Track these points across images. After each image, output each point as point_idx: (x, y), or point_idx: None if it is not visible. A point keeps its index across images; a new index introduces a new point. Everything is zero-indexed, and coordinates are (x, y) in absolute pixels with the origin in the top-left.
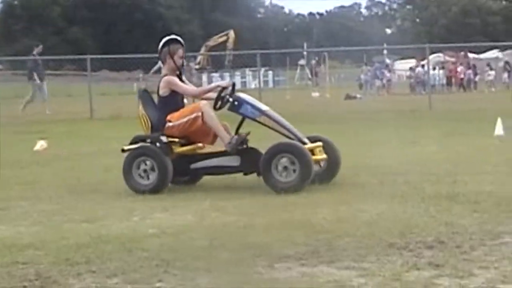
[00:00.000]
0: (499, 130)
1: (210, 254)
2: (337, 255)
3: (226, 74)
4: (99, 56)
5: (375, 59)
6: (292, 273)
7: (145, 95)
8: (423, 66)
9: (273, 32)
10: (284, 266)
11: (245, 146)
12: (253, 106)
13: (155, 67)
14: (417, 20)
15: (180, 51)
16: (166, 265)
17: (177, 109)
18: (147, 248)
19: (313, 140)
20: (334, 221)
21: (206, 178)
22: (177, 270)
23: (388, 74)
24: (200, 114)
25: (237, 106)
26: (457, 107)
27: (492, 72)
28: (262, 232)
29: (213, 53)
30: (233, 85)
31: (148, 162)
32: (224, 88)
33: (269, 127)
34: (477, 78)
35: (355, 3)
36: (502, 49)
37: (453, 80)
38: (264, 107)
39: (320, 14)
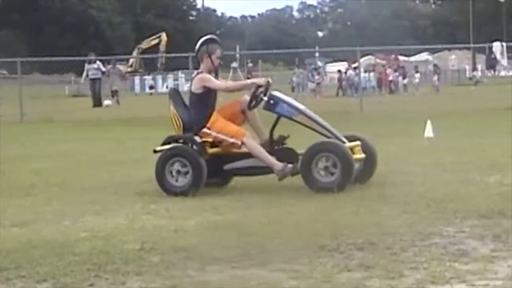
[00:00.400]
0: (429, 132)
1: (141, 258)
2: (269, 257)
3: (159, 77)
4: (30, 59)
5: (307, 62)
6: (224, 276)
7: (176, 95)
8: (354, 68)
9: (205, 35)
10: (215, 269)
11: (281, 145)
12: (289, 104)
13: (84, 75)
14: (349, 23)
15: (218, 51)
16: (97, 269)
17: (209, 107)
18: (78, 252)
19: (351, 139)
20: (265, 223)
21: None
22: (108, 274)
23: (317, 77)
24: (239, 142)
25: (272, 105)
26: (387, 109)
27: (418, 75)
28: (194, 235)
29: (145, 56)
30: (268, 83)
31: (182, 163)
32: (259, 86)
33: (306, 126)
34: (405, 81)
35: (287, 6)
36: (432, 51)
37: (382, 82)
38: (300, 105)
39: (252, 17)
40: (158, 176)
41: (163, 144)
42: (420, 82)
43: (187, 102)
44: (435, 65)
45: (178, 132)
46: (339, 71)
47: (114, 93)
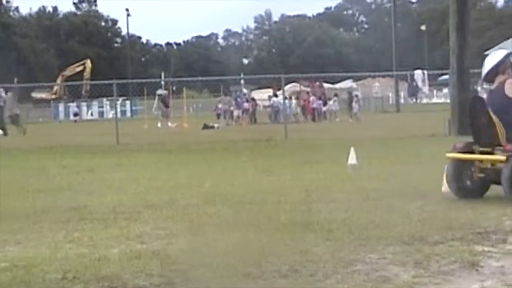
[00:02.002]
0: (352, 159)
1: (63, 287)
2: (193, 286)
3: (84, 104)
4: None
5: (232, 89)
6: None
7: (481, 102)
8: (276, 96)
9: (131, 62)
10: None
11: None
12: None
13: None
14: (273, 50)
15: None
16: None
17: None
18: None
19: None
20: (190, 251)
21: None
22: None
23: (246, 104)
24: None
25: None
26: (312, 136)
27: (334, 102)
28: (117, 264)
29: (69, 83)
30: None
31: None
32: None
33: None
34: (325, 108)
35: (212, 33)
36: (356, 79)
37: (306, 109)
38: None
39: (178, 44)
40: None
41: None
42: (341, 110)
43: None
44: (355, 95)
45: (499, 142)
46: (270, 97)
47: (14, 119)
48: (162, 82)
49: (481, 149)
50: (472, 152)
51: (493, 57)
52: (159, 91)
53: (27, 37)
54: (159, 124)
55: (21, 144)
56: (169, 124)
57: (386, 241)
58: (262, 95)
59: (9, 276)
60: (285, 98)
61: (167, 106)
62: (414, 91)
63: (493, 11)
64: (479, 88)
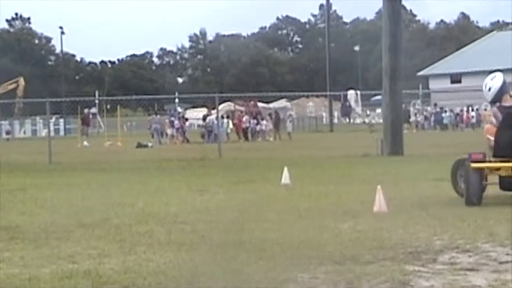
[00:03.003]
0: (285, 178)
1: None
2: None
3: (16, 122)
4: None
5: (167, 107)
6: None
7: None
8: (210, 115)
9: (64, 80)
10: None
11: None
12: None
13: None
14: (208, 69)
15: None
16: None
17: None
18: None
19: None
20: (121, 271)
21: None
22: None
23: (176, 122)
24: None
25: None
26: (246, 155)
27: (266, 122)
28: (48, 284)
29: (2, 100)
30: None
31: None
32: None
33: None
34: (258, 127)
35: (147, 52)
36: (290, 98)
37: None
38: None
39: (112, 62)
40: None
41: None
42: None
43: None
44: (278, 114)
45: None
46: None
47: None
48: (96, 101)
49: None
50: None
51: (495, 80)
52: (93, 110)
53: None
54: (85, 143)
55: None
56: (85, 143)
57: (318, 261)
58: (197, 114)
59: None
60: (219, 117)
61: (87, 124)
62: (347, 111)
63: (425, 32)
64: (411, 109)
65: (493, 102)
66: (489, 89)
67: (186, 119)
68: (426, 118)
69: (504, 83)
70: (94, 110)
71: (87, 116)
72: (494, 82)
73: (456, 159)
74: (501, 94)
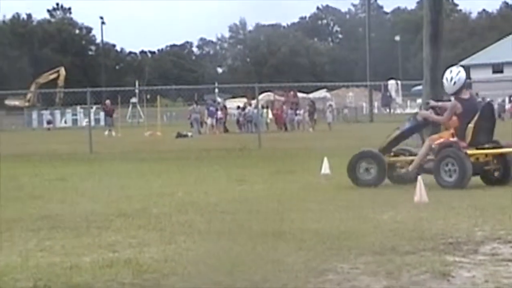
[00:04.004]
0: (325, 168)
1: None
2: None
3: (57, 112)
4: None
5: (206, 97)
6: None
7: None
8: (250, 105)
9: (105, 70)
10: None
11: None
12: None
13: None
14: (248, 59)
15: None
16: None
17: None
18: None
19: None
20: (161, 260)
21: None
22: None
23: (220, 113)
24: None
25: None
26: (285, 145)
27: (302, 112)
28: (88, 272)
29: (43, 90)
30: None
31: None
32: None
33: None
34: (297, 118)
35: (187, 42)
36: (330, 89)
37: (279, 119)
38: None
39: (152, 53)
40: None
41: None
42: (317, 119)
43: None
44: (314, 104)
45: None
46: (238, 107)
47: None
48: (136, 91)
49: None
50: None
51: (460, 75)
52: (133, 99)
53: (1, 44)
54: (111, 133)
55: None
56: (113, 133)
57: (358, 251)
58: (236, 104)
59: None
60: (259, 107)
61: (110, 115)
62: (387, 101)
63: (467, 23)
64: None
65: (454, 94)
66: (454, 83)
67: (226, 108)
68: None
69: (465, 77)
70: (134, 100)
71: (108, 106)
72: (459, 76)
73: (358, 151)
74: (462, 88)
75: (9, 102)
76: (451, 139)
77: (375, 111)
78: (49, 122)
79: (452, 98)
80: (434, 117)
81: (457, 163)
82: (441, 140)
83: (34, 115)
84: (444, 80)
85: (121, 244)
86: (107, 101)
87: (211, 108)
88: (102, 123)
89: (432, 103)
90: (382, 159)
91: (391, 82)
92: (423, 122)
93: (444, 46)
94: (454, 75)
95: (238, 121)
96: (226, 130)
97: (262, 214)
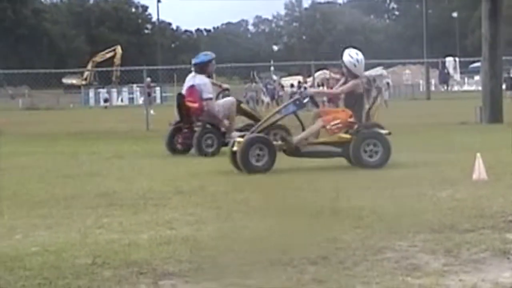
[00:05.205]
0: None
1: (93, 272)
2: (222, 272)
3: (114, 90)
4: None
5: (262, 76)
6: None
7: None
8: (305, 82)
9: (161, 48)
10: (168, 283)
11: None
12: None
13: None
14: (303, 37)
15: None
16: (48, 284)
17: None
18: (29, 266)
19: None
20: (218, 237)
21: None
22: None
23: (280, 92)
24: None
25: None
26: None
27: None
28: (146, 249)
29: (100, 69)
30: None
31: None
32: None
33: None
34: None
35: (242, 20)
36: (386, 66)
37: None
38: None
39: (208, 31)
40: None
41: None
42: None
43: None
44: (387, 83)
45: None
46: (292, 85)
47: None
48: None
49: None
50: None
51: (360, 55)
52: (148, 79)
53: (58, 23)
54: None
55: (51, 130)
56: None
57: (416, 229)
58: (291, 82)
59: (39, 260)
60: (315, 85)
61: (149, 93)
62: (445, 79)
63: None
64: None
65: (356, 76)
66: (358, 64)
67: (282, 87)
68: None
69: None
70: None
71: (148, 85)
72: (361, 56)
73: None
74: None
75: (67, 80)
76: (349, 119)
77: (432, 88)
78: (106, 101)
79: None
80: (326, 91)
81: (381, 144)
82: (337, 120)
83: (91, 93)
84: (349, 63)
85: (178, 221)
86: (148, 79)
87: (269, 86)
88: (158, 101)
89: (310, 91)
90: (272, 144)
91: (449, 59)
92: (310, 102)
93: (503, 22)
94: (357, 56)
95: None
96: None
97: (318, 192)
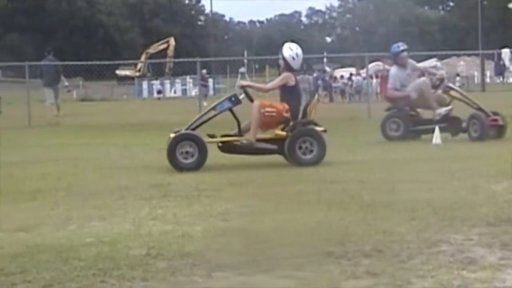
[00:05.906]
0: (436, 138)
1: (147, 263)
2: (275, 264)
3: (167, 82)
4: (37, 63)
5: (315, 67)
6: (230, 283)
7: None
8: (359, 74)
9: (214, 40)
10: (221, 275)
11: None
12: None
13: None
14: (357, 28)
15: None
16: (103, 275)
17: None
18: (84, 257)
19: None
20: (272, 229)
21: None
22: (114, 279)
23: (334, 84)
24: None
25: None
26: None
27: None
28: (200, 241)
29: (153, 60)
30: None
31: None
32: None
33: None
34: None
35: (296, 11)
36: (440, 58)
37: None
38: None
39: (261, 22)
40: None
41: None
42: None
43: None
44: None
45: None
46: (342, 77)
47: None
48: (245, 60)
49: None
50: None
51: (299, 49)
52: (242, 69)
53: (113, 15)
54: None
55: (105, 121)
56: (204, 103)
57: (471, 222)
58: (344, 74)
59: (94, 251)
60: (368, 76)
61: (204, 85)
62: (501, 70)
63: None
64: None
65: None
66: (298, 58)
67: (335, 78)
68: None
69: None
70: (243, 69)
71: (203, 77)
72: (300, 51)
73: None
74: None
75: (120, 72)
76: (285, 114)
77: (487, 80)
78: (159, 92)
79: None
80: (256, 85)
81: (316, 142)
82: (273, 109)
83: (145, 85)
84: (289, 56)
85: (232, 213)
86: (204, 71)
87: (320, 78)
88: (211, 92)
89: (242, 82)
90: (203, 141)
91: (505, 51)
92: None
93: None
94: (297, 50)
95: (342, 91)
96: (331, 100)
97: (373, 184)
